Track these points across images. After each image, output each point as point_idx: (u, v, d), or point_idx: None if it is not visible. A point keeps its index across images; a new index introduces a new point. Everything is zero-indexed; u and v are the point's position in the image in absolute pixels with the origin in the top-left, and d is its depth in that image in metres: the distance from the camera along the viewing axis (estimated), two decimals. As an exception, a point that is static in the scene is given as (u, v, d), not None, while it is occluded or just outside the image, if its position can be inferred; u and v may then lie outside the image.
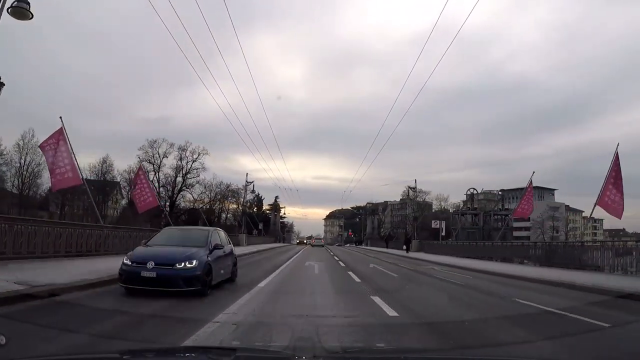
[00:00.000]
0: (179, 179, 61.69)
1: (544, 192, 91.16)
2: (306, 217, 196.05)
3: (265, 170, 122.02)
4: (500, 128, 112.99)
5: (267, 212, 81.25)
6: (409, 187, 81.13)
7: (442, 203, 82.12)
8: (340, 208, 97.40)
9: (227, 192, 68.73)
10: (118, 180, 60.73)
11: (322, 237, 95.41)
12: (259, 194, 78.70)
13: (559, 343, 5.43)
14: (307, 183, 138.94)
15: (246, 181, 53.71)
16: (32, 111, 64.39)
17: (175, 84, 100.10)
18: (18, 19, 10.11)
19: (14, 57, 54.16)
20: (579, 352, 5.16)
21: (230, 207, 71.08)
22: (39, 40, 67.28)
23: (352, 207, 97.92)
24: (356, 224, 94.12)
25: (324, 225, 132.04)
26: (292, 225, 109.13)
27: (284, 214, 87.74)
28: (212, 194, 67.29)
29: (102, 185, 56.75)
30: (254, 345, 4.21)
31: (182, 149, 60.14)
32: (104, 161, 57.47)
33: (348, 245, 79.13)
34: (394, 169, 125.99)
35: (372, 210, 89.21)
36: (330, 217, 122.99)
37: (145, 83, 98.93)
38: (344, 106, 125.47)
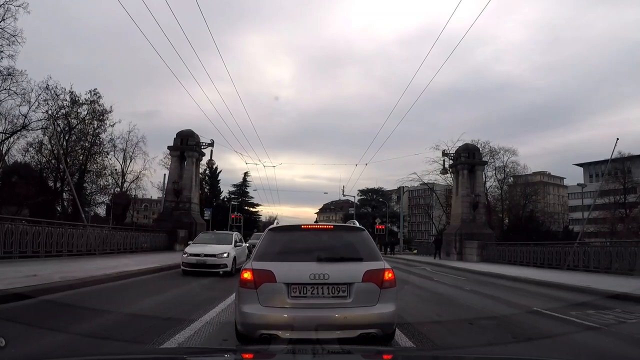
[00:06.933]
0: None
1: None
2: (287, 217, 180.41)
3: (252, 169, 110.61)
4: (488, 128, 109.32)
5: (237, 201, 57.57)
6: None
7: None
8: (338, 199, 74.48)
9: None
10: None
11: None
12: (211, 159, 32.80)
13: None
14: (296, 182, 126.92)
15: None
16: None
17: (162, 82, 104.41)
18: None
19: None
20: None
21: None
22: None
23: (360, 190, 64.53)
24: (365, 216, 60.40)
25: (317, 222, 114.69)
26: (274, 221, 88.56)
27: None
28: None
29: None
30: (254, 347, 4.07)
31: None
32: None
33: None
34: (381, 168, 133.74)
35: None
36: (325, 210, 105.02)
37: (131, 80, 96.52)
38: (332, 105, 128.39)
